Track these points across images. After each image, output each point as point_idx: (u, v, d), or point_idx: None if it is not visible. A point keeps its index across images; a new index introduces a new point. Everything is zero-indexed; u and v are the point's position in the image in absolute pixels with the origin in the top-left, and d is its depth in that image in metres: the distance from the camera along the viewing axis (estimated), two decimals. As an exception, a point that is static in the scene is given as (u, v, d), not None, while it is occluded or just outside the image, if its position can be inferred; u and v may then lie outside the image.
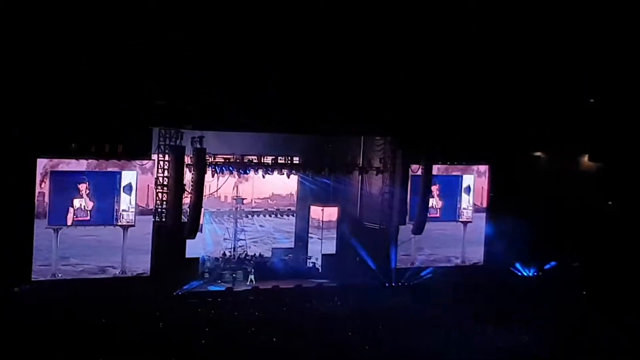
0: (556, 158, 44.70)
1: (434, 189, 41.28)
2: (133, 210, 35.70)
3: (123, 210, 35.60)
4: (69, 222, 34.62)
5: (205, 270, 38.33)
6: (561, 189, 43.20)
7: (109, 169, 35.26)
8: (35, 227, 33.94)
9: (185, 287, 36.17)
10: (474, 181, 42.50)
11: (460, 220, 42.36)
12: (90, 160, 34.88)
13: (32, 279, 33.83)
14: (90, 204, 35.04)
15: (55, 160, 34.31)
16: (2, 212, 32.89)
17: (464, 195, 42.38)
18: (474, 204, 42.57)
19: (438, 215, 41.81)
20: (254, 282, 38.33)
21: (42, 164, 34.02)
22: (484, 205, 42.75)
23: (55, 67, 33.71)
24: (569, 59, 42.24)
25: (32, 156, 33.73)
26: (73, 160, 34.61)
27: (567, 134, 43.55)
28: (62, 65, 33.80)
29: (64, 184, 34.46)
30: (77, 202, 34.82)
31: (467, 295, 37.87)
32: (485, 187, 42.66)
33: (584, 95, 43.87)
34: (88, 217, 35.05)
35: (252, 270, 38.82)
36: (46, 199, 34.15)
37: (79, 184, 34.83)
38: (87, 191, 34.91)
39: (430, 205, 41.02)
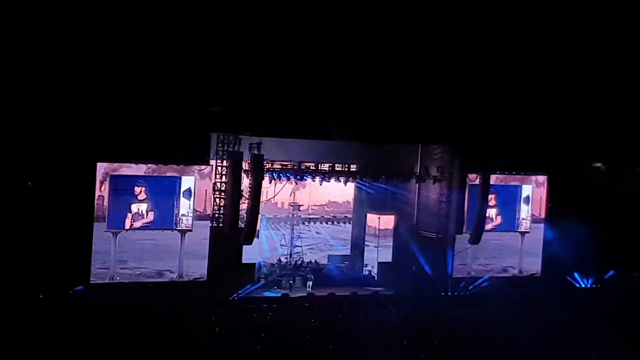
0: (615, 169, 44.24)
1: (492, 197, 41.02)
2: (191, 215, 35.84)
3: (182, 215, 35.77)
4: (127, 226, 34.87)
5: (261, 275, 38.40)
6: (620, 200, 42.75)
7: (168, 174, 35.47)
8: (95, 231, 34.25)
9: (241, 292, 36.23)
10: (533, 191, 42.15)
11: (519, 230, 42.02)
12: (149, 165, 35.14)
13: (91, 282, 34.10)
14: (148, 208, 35.26)
15: (115, 164, 34.59)
16: (62, 216, 33.21)
17: (522, 205, 42.04)
18: (532, 215, 42.22)
19: (496, 224, 41.52)
20: (310, 289, 38.33)
21: (101, 167, 34.33)
22: (542, 215, 42.38)
23: (117, 71, 33.95)
24: (628, 70, 41.82)
25: (92, 160, 34.03)
26: (132, 165, 34.89)
27: (626, 145, 43.06)
28: (124, 69, 34.03)
29: (123, 188, 34.73)
30: (134, 207, 35.09)
31: (524, 306, 37.60)
32: (544, 197, 42.30)
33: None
34: (146, 221, 35.27)
35: (311, 276, 38.84)
36: (105, 203, 34.43)
37: (137, 187, 35.07)
38: (145, 195, 35.14)
39: (488, 215, 40.79)
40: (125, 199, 34.92)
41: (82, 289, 33.57)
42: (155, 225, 35.39)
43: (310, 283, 38.67)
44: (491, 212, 41.23)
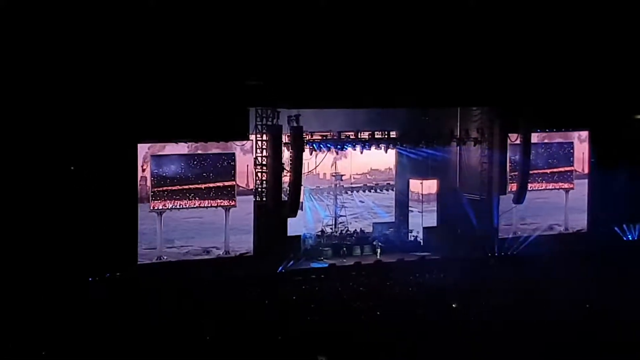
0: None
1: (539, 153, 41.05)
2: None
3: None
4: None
5: (307, 247, 38.57)
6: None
7: (212, 151, 35.59)
8: (140, 211, 34.49)
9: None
10: (575, 147, 41.89)
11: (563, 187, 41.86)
12: (190, 143, 35.30)
13: (139, 262, 34.38)
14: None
15: (156, 145, 34.78)
16: (107, 199, 33.48)
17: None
18: (576, 170, 41.98)
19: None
20: (379, 254, 38.72)
21: (143, 148, 34.52)
22: (586, 171, 42.13)
23: (153, 51, 34.05)
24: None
25: (132, 141, 34.23)
26: (173, 144, 35.08)
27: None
28: (159, 49, 34.13)
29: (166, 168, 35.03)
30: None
31: (572, 264, 37.55)
32: (586, 152, 42.01)
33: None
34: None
35: (379, 243, 39.12)
36: (148, 183, 34.64)
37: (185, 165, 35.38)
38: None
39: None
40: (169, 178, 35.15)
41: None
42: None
43: (379, 250, 38.90)
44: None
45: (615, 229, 42.01)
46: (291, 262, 36.58)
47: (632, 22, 40.84)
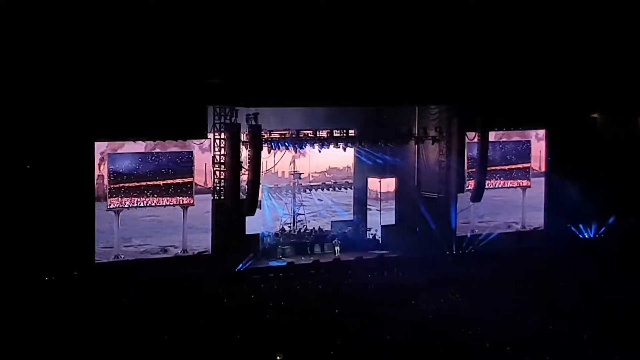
0: (613, 119, 44.18)
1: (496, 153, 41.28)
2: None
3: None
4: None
5: (265, 246, 38.50)
6: (619, 150, 42.75)
7: (170, 149, 35.44)
8: (97, 210, 34.25)
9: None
10: (532, 145, 42.13)
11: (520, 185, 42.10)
12: (146, 142, 35.13)
13: (96, 261, 34.15)
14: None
15: (113, 143, 34.56)
16: (63, 197, 33.21)
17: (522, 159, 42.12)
18: (533, 169, 42.23)
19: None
20: (339, 253, 38.69)
21: (99, 147, 34.29)
22: (543, 169, 42.39)
23: (108, 49, 33.82)
24: (626, 18, 41.68)
25: (89, 139, 33.98)
26: (131, 142, 34.90)
27: (623, 95, 42.95)
28: (117, 47, 33.90)
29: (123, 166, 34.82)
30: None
31: (529, 260, 37.85)
32: (543, 151, 42.28)
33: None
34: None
35: (338, 241, 39.11)
36: (105, 182, 34.41)
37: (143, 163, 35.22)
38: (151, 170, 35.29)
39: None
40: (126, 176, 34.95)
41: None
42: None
43: (337, 247, 38.91)
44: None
45: (572, 228, 42.26)
46: (250, 262, 36.47)
47: (589, 24, 41.10)
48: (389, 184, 40.93)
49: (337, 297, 32.84)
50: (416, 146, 41.01)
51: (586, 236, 42.44)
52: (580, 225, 42.33)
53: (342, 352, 26.36)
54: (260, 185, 36.63)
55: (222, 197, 35.84)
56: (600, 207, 41.95)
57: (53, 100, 33.16)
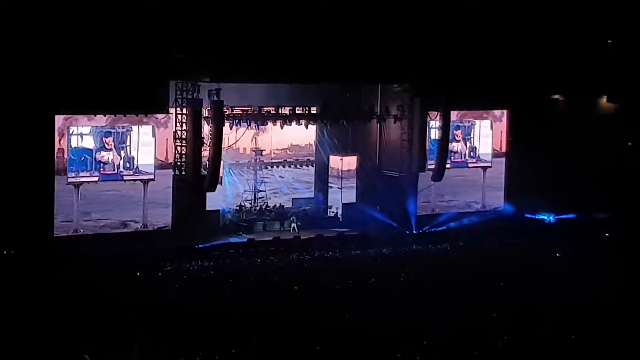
0: (574, 100, 44.46)
1: (458, 133, 41.34)
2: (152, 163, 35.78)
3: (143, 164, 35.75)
4: (96, 178, 34.82)
5: (226, 222, 38.45)
6: (579, 131, 43.03)
7: (126, 124, 35.26)
8: (56, 184, 34.05)
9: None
10: (492, 126, 42.31)
11: (481, 165, 42.25)
12: (108, 116, 34.90)
13: (55, 235, 33.97)
14: (118, 158, 35.20)
15: (73, 116, 34.31)
16: (22, 170, 32.97)
17: (482, 140, 42.21)
18: (493, 149, 42.43)
19: (463, 159, 41.94)
20: (297, 231, 38.73)
21: (59, 120, 34.04)
22: (504, 150, 42.60)
23: (71, 22, 33.51)
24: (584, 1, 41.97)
25: (49, 113, 33.71)
26: (91, 116, 34.65)
27: (584, 76, 43.22)
28: (77, 20, 33.60)
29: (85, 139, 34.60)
30: (105, 156, 35.05)
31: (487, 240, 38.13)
32: (504, 131, 42.48)
33: (601, 36, 43.53)
34: (115, 171, 35.24)
35: (294, 218, 39.20)
36: (65, 155, 34.19)
37: (105, 137, 34.96)
38: (113, 144, 35.08)
39: (455, 150, 41.15)
40: (86, 150, 34.70)
41: None
42: (116, 176, 35.27)
43: (294, 225, 38.99)
44: (458, 147, 41.58)
45: (532, 216, 42.42)
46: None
47: (551, 6, 41.27)
48: (350, 162, 40.96)
49: (297, 274, 32.83)
50: (378, 125, 41.06)
51: (547, 221, 42.50)
52: (538, 215, 42.45)
53: (301, 329, 26.37)
54: (222, 162, 36.51)
55: (183, 173, 35.73)
56: (561, 190, 42.03)
57: (12, 74, 32.85)
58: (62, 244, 33.79)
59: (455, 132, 41.38)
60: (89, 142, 34.73)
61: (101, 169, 34.99)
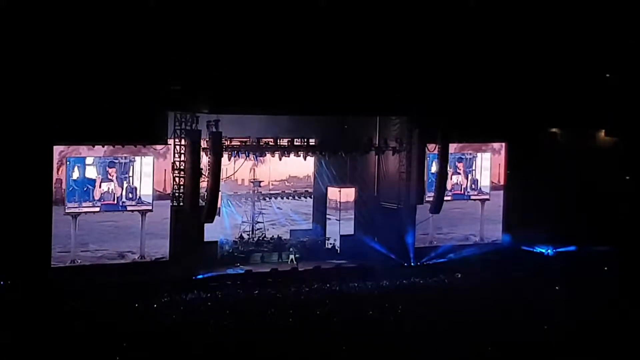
0: (572, 134, 44.54)
1: (460, 165, 41.43)
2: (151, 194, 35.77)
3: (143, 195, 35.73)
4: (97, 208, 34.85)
5: (224, 253, 38.39)
6: (578, 165, 43.06)
7: (126, 155, 35.30)
8: (54, 214, 34.02)
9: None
10: (491, 159, 42.36)
11: (479, 198, 42.25)
12: (106, 147, 34.94)
13: (52, 266, 33.90)
14: (119, 189, 35.23)
15: (72, 147, 34.34)
16: (20, 200, 32.96)
17: (483, 173, 42.26)
18: (492, 182, 42.44)
19: (464, 192, 42.03)
20: (295, 262, 38.62)
21: (58, 150, 34.07)
22: (502, 182, 42.62)
23: (71, 53, 33.63)
24: (585, 33, 42.05)
25: (48, 143, 33.74)
26: (90, 147, 34.70)
27: (582, 110, 43.33)
28: (78, 50, 33.72)
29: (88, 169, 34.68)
30: (105, 187, 35.05)
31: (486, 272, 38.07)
32: (502, 164, 42.50)
33: (600, 70, 43.67)
34: (115, 202, 35.24)
35: (293, 250, 39.11)
36: (63, 186, 34.19)
37: (109, 168, 35.00)
38: (116, 175, 35.13)
39: (456, 182, 41.27)
40: (90, 181, 34.74)
41: None
42: (117, 207, 35.25)
43: (292, 257, 38.88)
44: (459, 179, 41.65)
45: (530, 244, 42.36)
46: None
47: (548, 37, 41.45)
48: (348, 194, 40.93)
49: (294, 305, 32.75)
50: (376, 156, 41.10)
51: (545, 254, 42.42)
52: (537, 248, 42.38)
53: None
54: (220, 193, 36.51)
55: (181, 204, 35.69)
56: (559, 223, 41.97)
57: (12, 104, 32.92)
58: (59, 274, 33.70)
59: (457, 164, 41.49)
60: (91, 173, 34.77)
61: (102, 200, 34.95)
